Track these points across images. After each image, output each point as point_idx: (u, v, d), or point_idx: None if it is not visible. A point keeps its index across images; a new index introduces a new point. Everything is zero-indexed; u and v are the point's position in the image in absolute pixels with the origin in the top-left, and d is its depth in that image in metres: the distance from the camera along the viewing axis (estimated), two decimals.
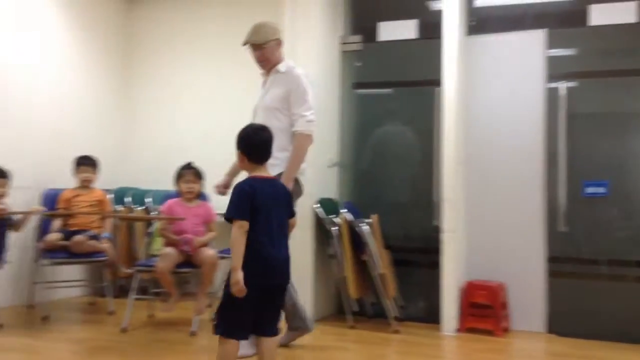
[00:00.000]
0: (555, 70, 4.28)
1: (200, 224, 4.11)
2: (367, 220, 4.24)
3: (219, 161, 5.12)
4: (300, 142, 3.31)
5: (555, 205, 4.20)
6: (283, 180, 3.27)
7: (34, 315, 4.33)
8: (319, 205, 4.35)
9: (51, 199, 4.65)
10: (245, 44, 3.43)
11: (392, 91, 4.83)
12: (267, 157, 2.60)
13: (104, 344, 3.61)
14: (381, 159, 4.74)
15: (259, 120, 3.34)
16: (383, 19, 4.79)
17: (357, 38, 4.81)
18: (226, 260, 4.68)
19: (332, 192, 4.64)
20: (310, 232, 4.35)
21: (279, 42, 3.47)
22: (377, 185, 4.73)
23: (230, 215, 2.44)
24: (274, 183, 2.64)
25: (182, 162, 4.21)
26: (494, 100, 4.44)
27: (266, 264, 2.45)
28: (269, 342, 2.55)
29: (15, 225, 4.05)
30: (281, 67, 3.44)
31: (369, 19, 4.87)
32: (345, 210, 4.29)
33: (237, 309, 2.43)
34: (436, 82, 4.29)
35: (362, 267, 4.31)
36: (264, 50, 3.40)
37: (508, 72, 4.41)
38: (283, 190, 2.66)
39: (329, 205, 4.42)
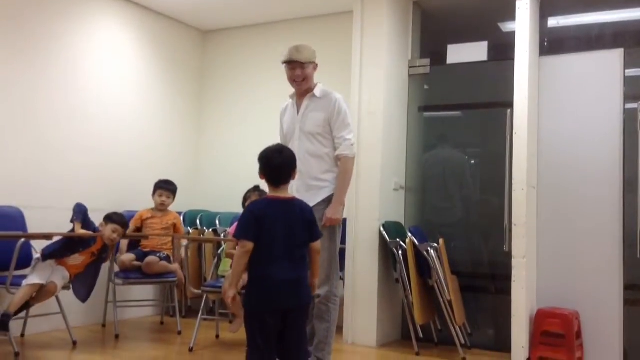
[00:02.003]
0: (634, 90, 4.09)
1: None
2: (433, 245, 4.16)
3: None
4: (347, 166, 3.34)
5: (634, 231, 3.97)
6: (333, 204, 3.31)
7: (107, 334, 4.48)
8: (384, 229, 4.31)
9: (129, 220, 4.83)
10: (288, 61, 3.42)
11: (461, 114, 4.75)
12: (286, 180, 2.61)
13: None
14: (448, 183, 4.65)
15: (299, 144, 3.39)
16: (452, 41, 4.75)
17: (425, 61, 4.78)
18: None
19: (398, 215, 4.59)
20: (376, 255, 4.31)
21: (316, 66, 3.50)
22: (444, 209, 4.64)
23: (237, 236, 2.51)
24: (291, 204, 2.61)
25: (251, 186, 4.29)
26: (567, 122, 4.28)
27: (269, 284, 2.44)
28: None
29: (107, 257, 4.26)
30: (317, 92, 3.47)
31: (438, 42, 4.85)
32: (411, 234, 4.22)
33: (253, 333, 2.45)
34: (507, 104, 4.19)
35: (429, 293, 4.22)
36: (305, 70, 3.43)
37: (583, 93, 4.25)
38: (302, 213, 2.59)
39: (394, 229, 4.38)
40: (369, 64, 4.47)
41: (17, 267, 3.75)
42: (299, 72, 3.42)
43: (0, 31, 4.19)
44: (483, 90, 4.61)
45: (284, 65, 3.45)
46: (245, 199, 4.24)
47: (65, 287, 3.93)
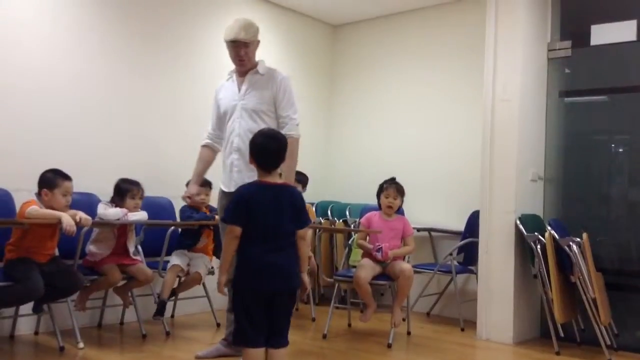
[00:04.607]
0: None
1: (396, 237, 4.14)
2: (576, 239, 3.91)
3: (420, 177, 5.22)
4: (293, 147, 3.17)
5: None
6: None
7: None
8: (520, 221, 4.12)
9: None
10: (233, 40, 3.27)
11: (607, 98, 4.41)
12: (277, 165, 2.58)
13: (307, 348, 3.81)
14: (592, 173, 4.34)
15: (240, 122, 3.32)
16: (596, 21, 4.41)
17: (566, 44, 4.49)
18: (420, 275, 4.68)
19: (536, 208, 4.37)
20: (511, 249, 4.14)
21: (258, 43, 3.40)
22: (587, 202, 4.35)
23: (224, 220, 2.55)
24: (280, 189, 2.57)
25: (380, 177, 4.30)
26: None
27: (258, 268, 2.45)
28: (274, 354, 2.50)
29: None
30: (260, 69, 3.38)
31: (580, 23, 4.52)
32: (551, 227, 4.00)
33: (241, 315, 2.46)
34: None
35: (570, 289, 3.98)
36: (249, 48, 3.31)
37: None
38: (291, 198, 2.57)
39: (532, 222, 4.17)
40: (503, 48, 4.28)
41: (167, 253, 4.06)
42: (243, 51, 3.30)
43: (143, 35, 4.54)
44: (632, 73, 4.24)
45: (226, 42, 3.32)
46: (380, 189, 4.25)
47: (210, 272, 4.18)
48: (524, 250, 4.16)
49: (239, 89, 3.38)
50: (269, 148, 2.58)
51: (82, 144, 4.12)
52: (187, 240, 4.16)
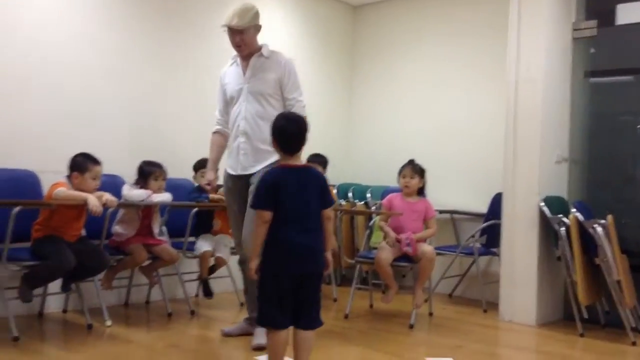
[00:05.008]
0: None
1: (418, 219, 4.13)
2: (601, 222, 3.87)
3: (442, 159, 5.20)
4: None
5: None
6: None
7: None
8: (544, 203, 4.09)
9: None
10: (226, 27, 3.24)
11: (633, 79, 4.33)
12: (299, 148, 2.56)
13: (328, 328, 3.83)
14: (618, 155, 4.28)
15: (247, 106, 3.30)
16: (622, 1, 4.32)
17: (591, 23, 4.41)
18: (442, 257, 4.68)
19: (560, 190, 4.33)
20: (535, 231, 4.11)
21: (258, 28, 3.33)
22: (613, 184, 4.30)
23: (252, 206, 2.52)
24: (304, 171, 2.56)
25: (402, 159, 4.29)
26: None
27: (288, 251, 2.43)
28: (302, 335, 2.49)
29: None
30: (264, 51, 3.34)
31: (605, 2, 4.44)
32: (575, 209, 3.96)
33: (269, 297, 2.45)
34: None
35: (594, 272, 3.95)
36: (244, 35, 3.25)
37: None
38: (316, 180, 2.55)
39: (556, 204, 4.14)
40: (527, 28, 4.22)
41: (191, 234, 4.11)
42: (239, 38, 3.26)
43: (169, 27, 4.55)
44: None
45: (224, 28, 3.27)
46: (399, 171, 4.23)
47: (233, 253, 4.22)
48: (548, 233, 4.13)
49: (244, 73, 3.36)
50: (291, 131, 2.56)
51: (107, 128, 4.17)
52: (200, 223, 4.19)
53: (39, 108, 3.85)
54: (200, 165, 4.10)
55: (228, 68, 3.49)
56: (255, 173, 3.27)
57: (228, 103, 3.45)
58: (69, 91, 3.99)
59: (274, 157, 3.12)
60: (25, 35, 3.79)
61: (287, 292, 2.45)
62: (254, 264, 2.46)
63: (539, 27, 4.18)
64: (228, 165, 3.44)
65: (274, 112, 3.18)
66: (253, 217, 2.68)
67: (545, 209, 4.07)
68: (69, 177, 3.46)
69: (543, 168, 4.16)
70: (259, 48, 3.36)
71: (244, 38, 3.27)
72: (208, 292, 4.12)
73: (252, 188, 3.19)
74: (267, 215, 2.43)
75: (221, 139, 3.54)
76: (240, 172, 3.33)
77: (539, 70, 4.18)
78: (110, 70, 4.22)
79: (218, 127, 3.55)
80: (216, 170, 3.61)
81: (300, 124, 2.60)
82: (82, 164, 3.44)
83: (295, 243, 2.44)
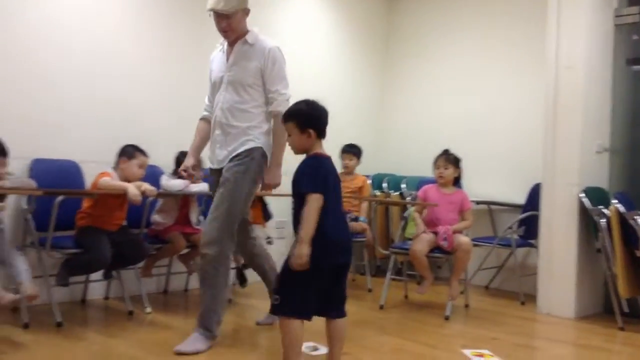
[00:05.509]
0: None
1: (454, 211, 4.10)
2: None
3: (479, 149, 5.14)
4: (282, 124, 2.72)
5: None
6: (272, 168, 3.07)
7: None
8: (584, 194, 4.01)
9: None
10: (211, 11, 3.01)
11: None
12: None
13: (364, 318, 3.85)
14: None
15: (225, 96, 3.08)
16: None
17: (634, 9, 4.28)
18: (479, 248, 4.64)
19: (601, 180, 4.23)
20: (574, 223, 4.04)
21: (246, 12, 3.09)
22: None
23: (308, 189, 2.33)
24: (331, 160, 2.51)
25: (437, 150, 4.26)
26: None
27: (334, 243, 2.37)
28: (338, 324, 2.46)
29: None
30: (249, 38, 3.09)
31: None
32: (616, 200, 3.88)
33: (303, 286, 2.35)
34: None
35: (635, 265, 3.86)
36: (231, 20, 3.01)
37: None
38: (336, 171, 2.52)
39: (596, 195, 4.05)
40: (567, 14, 4.13)
41: None
42: (225, 23, 3.02)
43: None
44: None
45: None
46: (434, 162, 4.21)
47: (268, 242, 4.26)
48: (588, 224, 4.06)
49: (227, 60, 3.13)
50: (324, 116, 2.50)
51: (146, 120, 4.24)
52: None
53: (82, 100, 3.93)
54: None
55: (216, 53, 3.27)
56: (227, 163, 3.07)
57: (214, 89, 3.22)
58: (108, 88, 4.05)
59: (251, 144, 3.03)
60: (68, 28, 3.87)
61: (325, 283, 2.41)
62: (306, 249, 2.30)
63: (580, 14, 4.09)
64: (209, 158, 3.26)
65: (253, 104, 3.06)
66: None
67: (585, 200, 3.99)
68: (116, 164, 3.58)
69: (583, 158, 4.08)
70: (244, 34, 3.11)
71: (230, 23, 3.03)
72: (243, 281, 4.17)
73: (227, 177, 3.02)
74: (322, 199, 2.34)
75: (206, 126, 3.28)
76: (216, 165, 3.15)
77: (579, 57, 4.09)
78: (154, 62, 4.28)
79: (205, 113, 3.33)
80: (197, 157, 3.32)
81: (325, 107, 2.54)
82: (130, 151, 3.58)
83: (337, 234, 2.41)
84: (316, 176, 2.38)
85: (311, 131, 2.46)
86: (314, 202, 2.33)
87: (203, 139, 3.31)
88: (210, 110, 3.28)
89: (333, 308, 2.47)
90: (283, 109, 2.88)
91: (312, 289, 2.38)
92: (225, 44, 3.17)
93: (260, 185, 3.18)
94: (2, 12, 3.58)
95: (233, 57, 3.10)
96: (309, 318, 2.40)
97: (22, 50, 3.67)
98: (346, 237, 2.48)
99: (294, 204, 2.46)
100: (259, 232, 4.22)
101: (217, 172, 3.16)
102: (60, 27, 3.84)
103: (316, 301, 2.41)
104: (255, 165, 3.07)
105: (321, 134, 2.50)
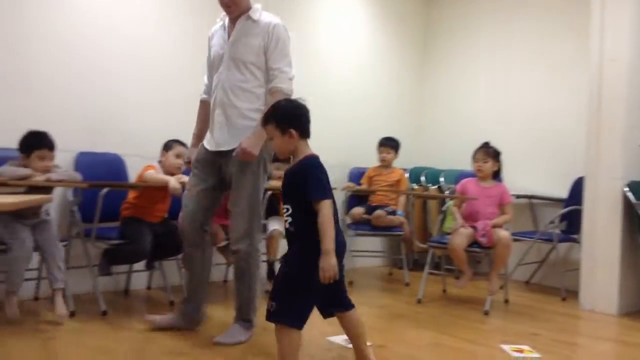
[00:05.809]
0: None
1: (493, 205, 4.05)
2: None
3: (519, 142, 5.08)
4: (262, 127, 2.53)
5: None
6: (253, 136, 2.79)
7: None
8: (628, 188, 3.92)
9: (357, 176, 5.12)
10: None
11: None
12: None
13: (401, 311, 3.85)
14: None
15: (227, 74, 2.91)
16: None
17: None
18: (520, 243, 4.57)
19: None
20: (619, 218, 3.95)
21: None
22: None
23: (321, 197, 2.21)
24: None
25: (477, 143, 4.22)
26: None
27: (340, 246, 2.25)
28: (353, 314, 2.42)
29: None
30: (253, 13, 2.92)
31: None
32: None
33: (304, 296, 2.24)
34: None
35: None
36: None
37: None
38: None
39: None
40: (611, 5, 4.03)
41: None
42: None
43: None
44: None
45: None
46: (473, 155, 4.17)
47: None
48: (632, 219, 3.96)
49: (229, 36, 2.96)
50: (308, 114, 2.37)
51: (189, 115, 4.29)
52: (270, 206, 4.18)
53: (125, 96, 4.03)
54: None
55: (216, 28, 3.10)
56: (232, 151, 2.91)
57: (212, 67, 3.07)
58: (145, 89, 4.13)
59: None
60: (112, 27, 3.97)
61: (325, 286, 2.22)
62: (334, 259, 2.18)
63: (624, 5, 3.99)
64: (205, 138, 3.09)
65: (256, 82, 2.91)
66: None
67: (630, 194, 3.90)
68: (160, 162, 3.70)
69: (627, 151, 3.98)
70: (248, 9, 2.95)
71: None
72: (272, 275, 4.17)
73: (233, 170, 2.92)
74: (332, 205, 2.27)
75: (207, 109, 3.12)
76: (214, 148, 2.99)
77: (623, 50, 3.99)
78: (193, 60, 4.34)
79: (203, 95, 3.17)
80: (199, 145, 3.16)
81: (306, 105, 2.41)
82: (169, 144, 3.72)
83: (340, 239, 2.29)
84: (326, 181, 2.29)
85: (292, 131, 2.33)
86: (328, 209, 2.22)
87: (205, 123, 3.13)
88: (208, 91, 3.13)
89: (338, 303, 2.42)
90: (284, 86, 2.84)
91: (313, 297, 2.28)
92: (227, 19, 3.02)
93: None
94: (45, 14, 3.69)
95: (235, 33, 2.94)
96: (301, 328, 2.27)
97: (67, 48, 3.78)
98: (343, 239, 2.35)
99: (291, 211, 2.31)
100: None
101: (217, 155, 3.01)
102: (103, 28, 3.93)
103: (319, 304, 2.35)
104: (261, 154, 2.91)
105: (304, 133, 2.37)
